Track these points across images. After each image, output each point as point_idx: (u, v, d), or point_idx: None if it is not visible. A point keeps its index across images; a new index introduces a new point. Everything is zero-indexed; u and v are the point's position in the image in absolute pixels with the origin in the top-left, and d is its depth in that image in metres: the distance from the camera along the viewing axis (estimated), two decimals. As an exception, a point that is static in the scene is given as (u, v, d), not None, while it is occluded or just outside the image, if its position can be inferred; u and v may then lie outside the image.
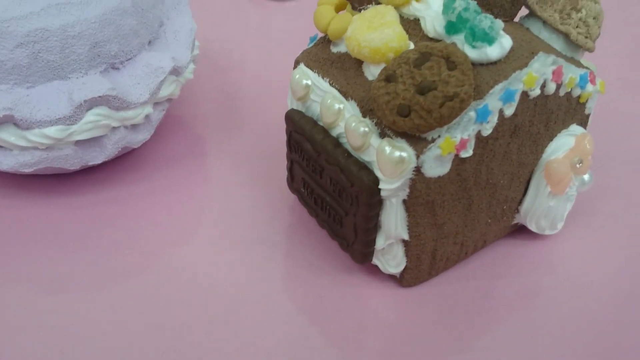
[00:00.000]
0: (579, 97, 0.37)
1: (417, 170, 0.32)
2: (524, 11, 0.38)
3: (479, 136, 0.33)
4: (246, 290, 0.38)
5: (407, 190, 0.33)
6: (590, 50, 0.37)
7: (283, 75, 0.53)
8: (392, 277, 0.38)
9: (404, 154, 0.32)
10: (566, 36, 0.36)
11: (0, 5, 0.38)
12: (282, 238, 0.41)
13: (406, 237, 0.35)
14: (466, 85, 0.30)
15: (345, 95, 0.34)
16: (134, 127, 0.42)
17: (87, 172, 0.44)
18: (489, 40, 0.32)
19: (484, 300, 0.38)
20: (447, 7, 0.33)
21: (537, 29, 0.37)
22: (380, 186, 0.33)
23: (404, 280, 0.37)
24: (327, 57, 0.36)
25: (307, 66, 0.37)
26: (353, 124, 0.33)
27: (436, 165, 0.32)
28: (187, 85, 0.52)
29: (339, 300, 0.37)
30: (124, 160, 0.45)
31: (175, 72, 0.42)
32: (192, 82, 0.52)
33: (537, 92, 0.34)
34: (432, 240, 0.36)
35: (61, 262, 0.39)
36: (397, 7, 0.35)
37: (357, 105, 0.34)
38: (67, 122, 0.38)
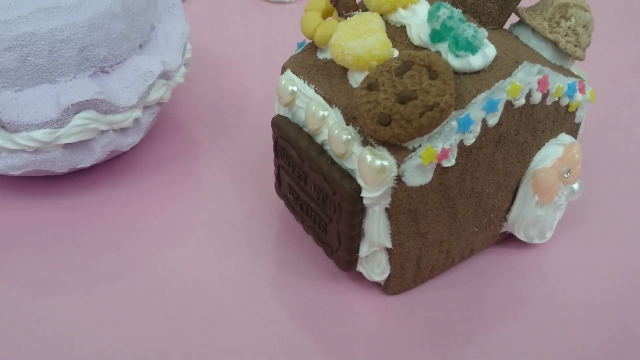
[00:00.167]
0: (567, 106, 0.36)
1: (399, 179, 0.32)
2: (515, 18, 0.38)
3: (461, 145, 0.33)
4: (233, 295, 0.38)
5: (389, 198, 0.33)
6: (580, 58, 0.36)
7: (277, 79, 0.53)
8: (377, 284, 0.38)
9: (385, 163, 0.31)
10: (555, 44, 0.36)
11: (-11, 9, 0.38)
12: (271, 243, 0.41)
13: (389, 245, 0.34)
14: (447, 94, 0.30)
15: (330, 102, 0.34)
16: (122, 130, 0.42)
17: (78, 175, 0.44)
18: (472, 49, 0.32)
19: (471, 308, 0.37)
20: (432, 16, 0.32)
21: (526, 36, 0.36)
22: (362, 194, 0.33)
23: (388, 287, 0.37)
24: (313, 64, 0.36)
25: (294, 72, 0.36)
26: (336, 132, 0.33)
27: (417, 174, 0.32)
28: (182, 88, 0.52)
29: (325, 307, 0.37)
30: (114, 163, 0.45)
31: (165, 75, 0.42)
32: (187, 85, 0.52)
33: (522, 101, 0.33)
34: (416, 249, 0.35)
35: (50, 265, 0.39)
36: (383, 15, 0.35)
37: (341, 112, 0.34)
38: (54, 126, 0.38)
